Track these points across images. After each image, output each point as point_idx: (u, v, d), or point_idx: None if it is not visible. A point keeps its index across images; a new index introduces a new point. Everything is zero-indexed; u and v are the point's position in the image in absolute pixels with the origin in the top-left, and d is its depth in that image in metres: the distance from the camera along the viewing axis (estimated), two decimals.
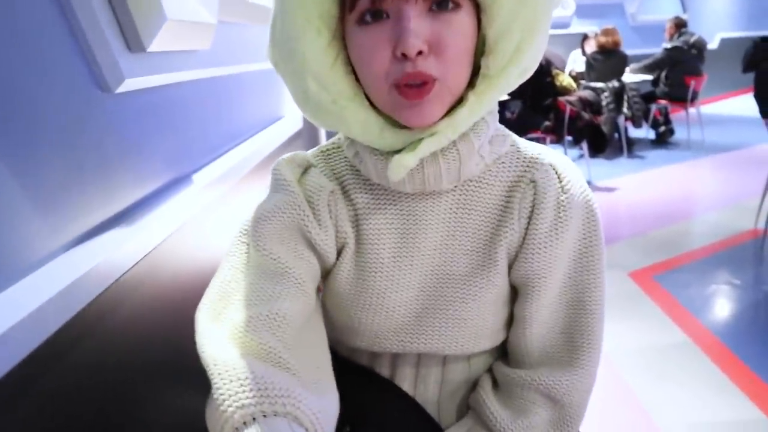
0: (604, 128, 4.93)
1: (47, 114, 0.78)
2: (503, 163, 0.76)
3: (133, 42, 0.91)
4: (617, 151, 6.20)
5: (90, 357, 0.80)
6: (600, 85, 5.74)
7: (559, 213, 0.74)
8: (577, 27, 7.72)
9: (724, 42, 9.62)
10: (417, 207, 0.75)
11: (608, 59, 5.87)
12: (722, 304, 3.00)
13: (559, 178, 0.75)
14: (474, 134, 0.70)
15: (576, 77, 6.35)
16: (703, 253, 3.65)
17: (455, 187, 0.75)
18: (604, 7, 8.12)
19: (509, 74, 0.65)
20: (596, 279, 0.77)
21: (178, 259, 1.09)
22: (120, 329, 0.88)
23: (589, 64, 6.04)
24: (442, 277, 0.77)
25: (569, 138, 4.89)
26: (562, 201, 0.74)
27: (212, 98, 1.37)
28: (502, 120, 3.91)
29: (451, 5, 0.61)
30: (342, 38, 0.66)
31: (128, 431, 0.90)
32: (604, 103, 5.54)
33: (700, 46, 6.36)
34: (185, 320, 1.12)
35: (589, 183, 4.05)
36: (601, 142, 4.90)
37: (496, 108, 0.74)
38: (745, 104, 3.61)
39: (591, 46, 6.70)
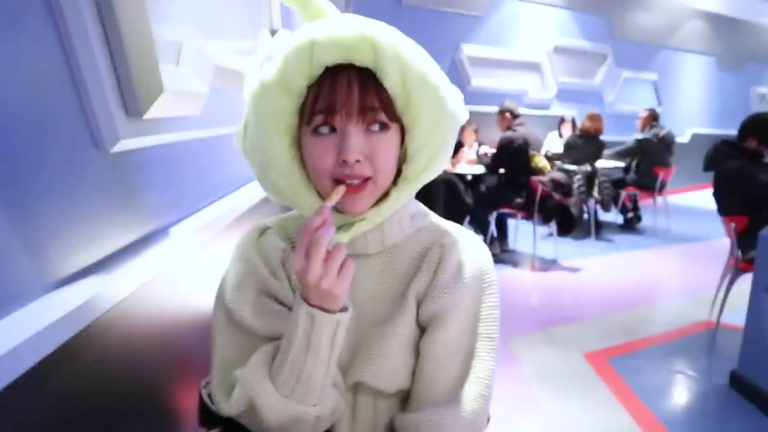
0: (573, 210, 5.11)
1: (46, 165, 0.88)
2: (421, 234, 0.96)
3: (132, 109, 1.02)
4: (585, 233, 6.39)
5: (57, 395, 0.86)
6: (573, 167, 5.97)
7: (458, 270, 0.92)
8: (557, 109, 8.03)
9: (695, 137, 10.10)
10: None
11: (587, 144, 6.10)
12: (672, 393, 3.09)
13: (462, 245, 0.94)
14: (396, 215, 0.92)
15: (551, 158, 6.61)
16: (659, 340, 3.76)
17: (380, 251, 0.94)
18: (584, 93, 8.46)
19: (421, 179, 0.87)
20: (488, 330, 0.93)
21: (152, 306, 1.17)
22: (90, 369, 0.95)
23: (568, 146, 6.27)
24: (370, 321, 0.93)
25: (539, 217, 5.06)
26: (462, 260, 0.92)
27: (194, 158, 1.47)
28: (478, 192, 4.07)
29: (382, 127, 0.81)
30: (299, 143, 0.85)
31: None
32: (575, 185, 5.75)
33: (669, 140, 6.66)
34: (152, 364, 1.18)
35: (554, 261, 4.20)
36: (569, 222, 5.08)
37: (413, 196, 0.94)
38: (710, 198, 3.80)
39: (567, 129, 6.99)
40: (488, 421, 0.96)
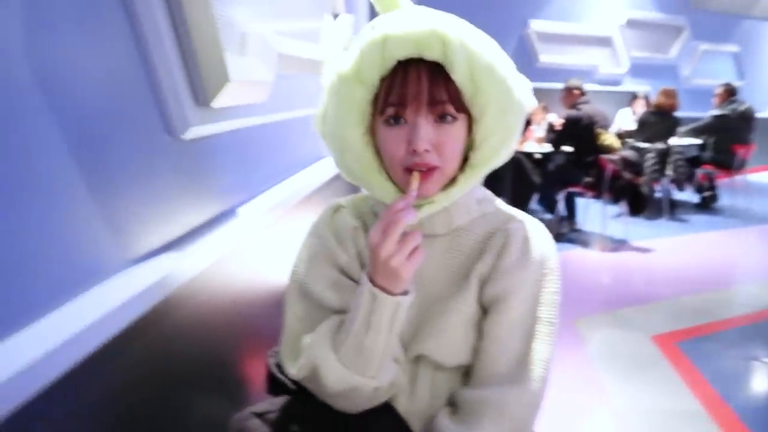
0: (644, 189, 4.96)
1: (124, 152, 0.97)
2: (487, 218, 1.01)
3: (200, 97, 1.09)
4: (658, 212, 6.19)
5: (138, 362, 0.96)
6: (645, 145, 5.77)
7: (521, 255, 0.96)
8: (629, 85, 7.76)
9: None
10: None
11: (661, 121, 5.88)
12: (745, 379, 2.99)
13: (525, 231, 0.98)
14: (461, 200, 0.97)
15: (623, 135, 6.40)
16: (732, 324, 3.62)
17: (447, 233, 0.99)
18: (658, 68, 8.12)
19: (489, 165, 0.92)
20: (549, 314, 0.96)
21: (222, 282, 1.25)
22: (166, 338, 1.04)
23: (640, 123, 6.06)
24: (433, 298, 0.98)
25: (608, 196, 4.94)
26: (525, 246, 0.97)
27: (262, 141, 1.55)
28: (546, 171, 3.98)
29: (450, 119, 0.86)
30: (372, 130, 0.91)
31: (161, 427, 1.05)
32: (647, 164, 5.57)
33: (748, 116, 6.32)
34: (223, 335, 1.27)
35: (625, 242, 4.08)
36: (640, 202, 4.93)
37: (481, 181, 0.99)
38: None
39: (639, 106, 6.75)
40: None
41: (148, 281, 0.95)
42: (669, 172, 5.86)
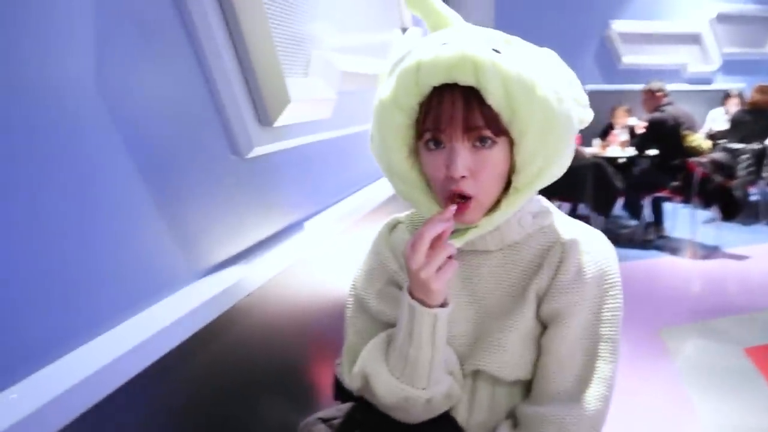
0: (737, 193, 4.68)
1: (193, 172, 1.05)
2: (544, 232, 0.99)
3: (263, 118, 1.16)
4: (754, 217, 5.82)
5: (207, 365, 1.03)
6: (739, 146, 5.45)
7: (580, 270, 0.94)
8: (721, 83, 7.36)
9: None
10: (474, 260, 1.00)
11: (757, 120, 5.51)
12: None
13: (584, 244, 0.96)
14: (513, 217, 0.96)
15: (715, 136, 6.07)
16: None
17: (501, 248, 0.99)
18: (753, 64, 7.63)
19: (533, 187, 0.90)
20: (610, 332, 0.95)
21: (288, 291, 1.32)
22: (234, 345, 1.11)
23: (734, 123, 5.73)
24: (489, 313, 0.99)
25: (698, 200, 4.71)
26: (583, 260, 0.95)
27: (327, 156, 1.61)
28: (630, 176, 3.83)
29: (488, 143, 0.85)
30: (417, 152, 0.92)
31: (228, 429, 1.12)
32: (742, 165, 5.26)
33: None
34: (290, 343, 1.34)
35: (717, 248, 3.87)
36: (733, 206, 4.66)
37: (536, 194, 0.97)
38: None
39: (733, 105, 6.38)
40: None
41: (216, 291, 1.02)
42: (766, 174, 5.50)
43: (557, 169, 0.91)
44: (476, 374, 0.99)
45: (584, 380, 0.93)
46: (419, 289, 0.86)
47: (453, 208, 0.85)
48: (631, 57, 6.91)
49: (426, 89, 0.85)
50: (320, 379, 1.49)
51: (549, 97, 0.84)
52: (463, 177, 0.85)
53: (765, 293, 4.02)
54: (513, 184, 0.89)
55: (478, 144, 0.85)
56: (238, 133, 1.12)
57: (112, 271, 0.86)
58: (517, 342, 0.96)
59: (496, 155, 0.86)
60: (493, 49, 0.83)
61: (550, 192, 0.97)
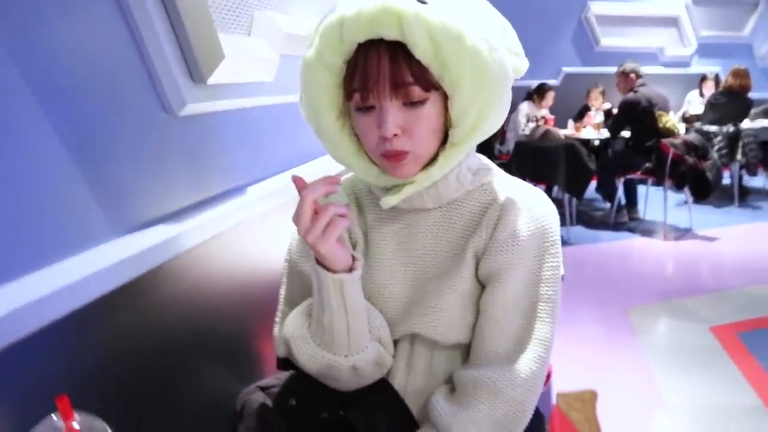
0: (709, 174, 4.70)
1: (121, 130, 1.01)
2: (484, 189, 0.97)
3: (196, 75, 1.12)
4: (728, 200, 5.88)
5: (127, 324, 1.00)
6: (713, 128, 5.48)
7: (517, 228, 0.92)
8: (698, 67, 7.39)
9: None
10: (412, 220, 0.98)
11: (731, 102, 5.54)
12: None
13: (523, 203, 0.94)
14: (450, 174, 0.93)
15: (689, 119, 6.10)
16: None
17: (439, 206, 0.96)
18: (730, 47, 7.67)
19: (470, 140, 0.86)
20: (550, 292, 0.92)
21: (224, 257, 1.29)
22: (157, 306, 1.08)
23: (709, 105, 5.75)
24: (427, 274, 0.97)
25: (671, 182, 4.73)
26: (521, 219, 0.92)
27: (275, 123, 1.57)
28: (604, 157, 3.82)
29: (417, 101, 0.82)
30: (347, 113, 0.89)
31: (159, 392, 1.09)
32: (715, 148, 5.29)
33: None
34: (225, 310, 1.31)
35: (689, 230, 3.88)
36: (704, 188, 4.69)
37: (473, 150, 0.96)
38: None
39: (709, 88, 6.41)
40: (547, 378, 0.98)
41: (140, 248, 0.98)
42: (739, 156, 5.54)
43: (495, 120, 0.88)
44: (413, 338, 0.98)
45: (521, 341, 0.91)
46: (318, 255, 0.84)
47: (338, 178, 0.83)
48: (608, 39, 6.92)
49: (351, 46, 0.81)
50: (263, 348, 1.46)
51: (479, 47, 0.80)
52: (396, 136, 0.83)
53: (735, 274, 4.06)
54: (450, 139, 0.86)
55: (407, 102, 0.82)
56: (169, 90, 1.08)
57: (24, 222, 0.82)
58: (455, 304, 0.94)
59: (428, 111, 0.83)
60: (419, 0, 0.78)
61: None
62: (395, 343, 0.99)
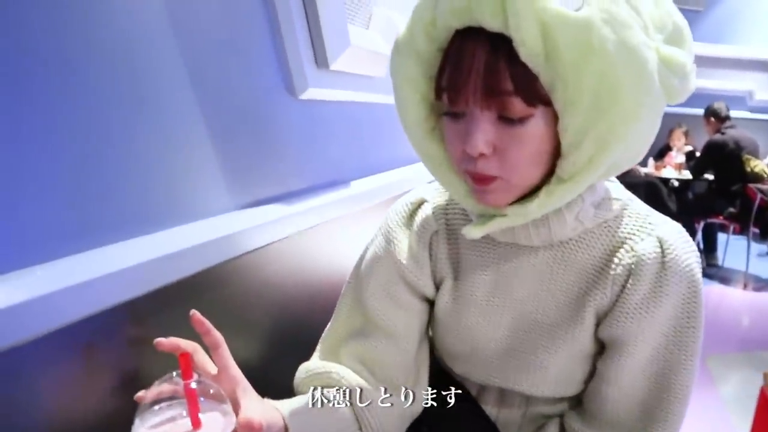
0: None
1: (247, 107, 1.01)
2: (608, 227, 0.76)
3: (321, 59, 1.13)
4: None
5: (232, 296, 0.99)
6: None
7: (655, 289, 0.73)
8: None
9: None
10: (513, 255, 0.80)
11: None
12: None
13: (663, 252, 0.73)
14: (567, 209, 0.73)
15: None
16: None
17: (550, 245, 0.77)
18: None
19: (584, 178, 0.65)
20: (687, 361, 0.76)
21: (324, 245, 1.28)
22: (254, 287, 1.07)
23: None
24: (530, 323, 0.81)
25: (756, 230, 4.50)
26: (661, 277, 0.73)
27: (382, 123, 1.57)
28: (684, 199, 3.63)
29: (516, 118, 0.62)
30: (439, 113, 0.71)
31: None
32: None
33: None
34: (311, 300, 1.29)
35: None
36: None
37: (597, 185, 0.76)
38: None
39: None
40: None
41: (253, 224, 0.98)
42: None
43: (625, 155, 0.66)
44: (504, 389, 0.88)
45: (648, 415, 0.78)
46: None
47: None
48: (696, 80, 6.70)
49: (446, 32, 0.64)
50: None
51: (612, 50, 0.57)
52: (483, 155, 0.64)
53: None
54: (556, 171, 0.66)
55: (504, 115, 0.62)
56: (294, 70, 1.08)
57: (146, 188, 0.82)
58: (566, 364, 0.80)
59: (531, 131, 0.62)
60: None
61: None
62: (483, 389, 0.91)
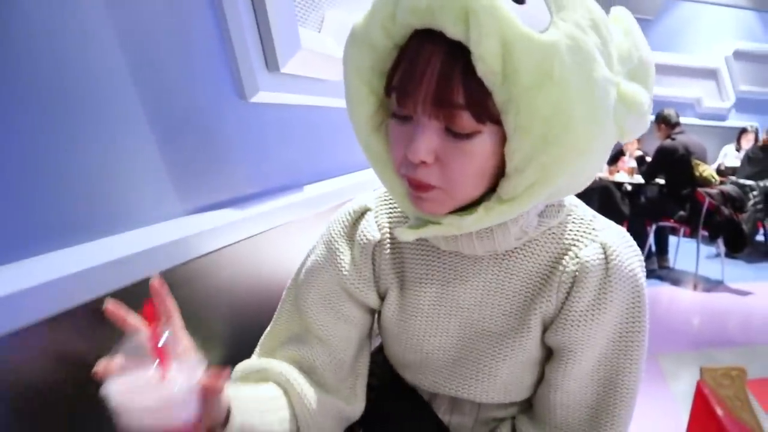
0: (745, 227, 4.61)
1: (196, 111, 1.00)
2: (553, 234, 0.76)
3: (271, 62, 1.11)
4: (761, 255, 5.76)
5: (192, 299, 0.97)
6: (749, 182, 5.41)
7: (600, 294, 0.73)
8: (734, 121, 7.35)
9: None
10: (459, 263, 0.79)
11: None
12: None
13: (606, 259, 0.73)
14: (511, 222, 0.71)
15: (725, 172, 6.02)
16: None
17: (494, 255, 0.77)
18: None
19: (522, 203, 0.63)
20: (632, 365, 0.77)
21: (278, 249, 1.26)
22: (205, 291, 1.05)
23: (747, 159, 5.70)
24: (478, 331, 0.81)
25: (705, 233, 4.65)
26: (605, 284, 0.73)
27: (338, 128, 1.56)
28: (637, 203, 3.72)
29: (463, 133, 0.60)
30: (385, 114, 0.69)
31: None
32: (750, 202, 5.20)
33: None
34: (262, 304, 1.27)
35: (720, 283, 3.81)
36: (739, 241, 4.59)
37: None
38: None
39: (748, 142, 6.36)
40: None
41: (203, 228, 0.96)
42: None
43: (567, 184, 0.64)
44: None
45: (595, 419, 0.79)
46: None
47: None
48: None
49: (404, 29, 0.61)
50: None
51: (570, 80, 0.55)
52: (423, 163, 0.62)
53: (760, 330, 3.94)
54: (497, 191, 0.64)
55: (451, 127, 0.60)
56: (244, 73, 1.07)
57: (96, 193, 0.80)
58: (513, 371, 0.81)
59: (476, 147, 0.60)
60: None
61: None
62: (435, 395, 0.91)
